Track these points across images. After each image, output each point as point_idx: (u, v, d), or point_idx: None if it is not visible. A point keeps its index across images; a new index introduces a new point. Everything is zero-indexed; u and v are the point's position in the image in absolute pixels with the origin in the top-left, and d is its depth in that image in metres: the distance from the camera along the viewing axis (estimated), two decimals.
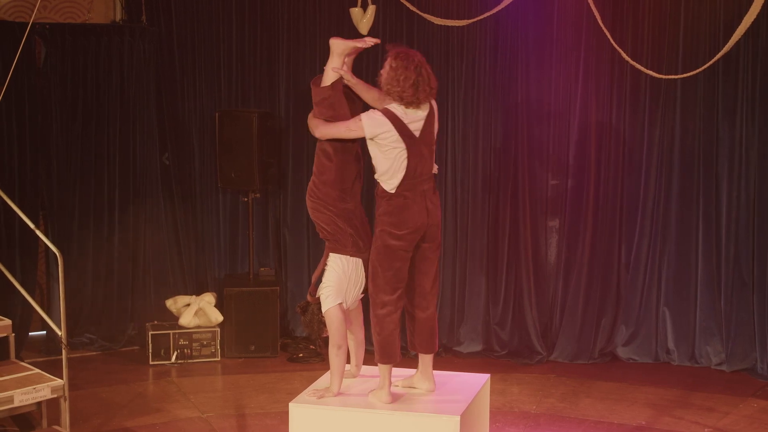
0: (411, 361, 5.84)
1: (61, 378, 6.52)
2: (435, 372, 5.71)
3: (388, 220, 5.34)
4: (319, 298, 5.51)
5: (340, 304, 5.44)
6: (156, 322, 8.73)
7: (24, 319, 8.41)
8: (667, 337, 8.49)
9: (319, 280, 5.55)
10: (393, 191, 5.33)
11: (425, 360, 5.63)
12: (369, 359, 5.83)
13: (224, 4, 9.03)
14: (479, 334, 8.71)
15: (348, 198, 5.46)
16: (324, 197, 5.45)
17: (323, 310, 5.47)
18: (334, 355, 5.44)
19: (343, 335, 5.44)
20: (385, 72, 5.33)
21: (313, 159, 5.57)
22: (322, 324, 5.55)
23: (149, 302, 9.07)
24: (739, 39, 7.80)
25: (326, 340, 5.53)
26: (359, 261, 5.51)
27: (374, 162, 5.38)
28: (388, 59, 5.33)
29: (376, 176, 5.40)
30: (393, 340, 5.43)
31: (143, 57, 8.86)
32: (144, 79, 8.89)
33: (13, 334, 7.05)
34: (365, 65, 8.83)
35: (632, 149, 8.43)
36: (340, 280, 5.47)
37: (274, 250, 9.30)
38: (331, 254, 5.53)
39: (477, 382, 5.81)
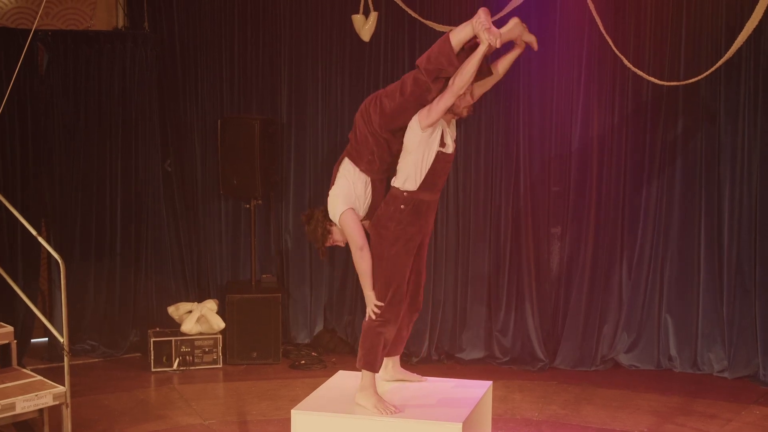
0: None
1: (63, 385, 6.52)
2: (438, 379, 5.73)
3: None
4: (324, 208, 5.50)
5: (352, 208, 5.42)
6: (158, 328, 8.73)
7: (26, 326, 8.41)
8: (669, 344, 8.47)
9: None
10: None
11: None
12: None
13: (226, 12, 9.04)
14: (481, 340, 8.69)
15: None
16: (375, 134, 5.40)
17: (335, 217, 5.43)
18: (359, 258, 5.40)
19: (362, 235, 5.40)
20: None
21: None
22: (326, 232, 5.51)
23: (151, 309, 9.07)
24: (741, 44, 7.78)
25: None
26: (368, 179, 5.48)
27: None
28: None
29: None
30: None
31: (145, 64, 8.86)
32: (146, 86, 8.89)
33: (15, 341, 7.07)
34: (366, 71, 8.85)
35: (634, 155, 8.42)
36: (348, 189, 5.44)
37: (276, 256, 9.29)
38: (345, 159, 5.51)
39: (479, 389, 5.81)
